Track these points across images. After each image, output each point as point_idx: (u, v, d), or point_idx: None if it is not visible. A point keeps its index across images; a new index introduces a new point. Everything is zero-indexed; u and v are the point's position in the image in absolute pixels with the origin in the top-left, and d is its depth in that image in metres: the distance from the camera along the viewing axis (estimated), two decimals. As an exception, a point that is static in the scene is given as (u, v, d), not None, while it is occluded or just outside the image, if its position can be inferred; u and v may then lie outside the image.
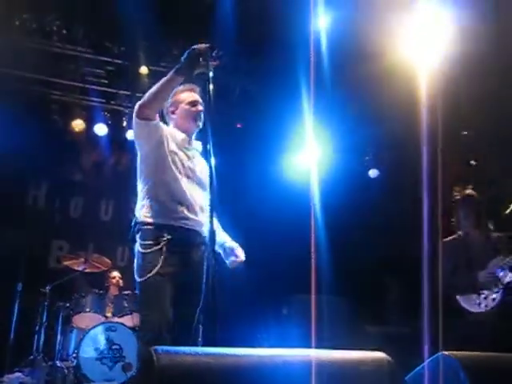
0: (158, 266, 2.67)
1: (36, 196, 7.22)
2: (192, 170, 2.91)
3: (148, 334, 2.63)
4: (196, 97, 3.00)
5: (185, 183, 2.84)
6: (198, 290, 2.52)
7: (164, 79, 2.73)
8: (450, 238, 4.27)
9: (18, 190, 6.96)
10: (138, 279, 2.76)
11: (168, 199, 2.79)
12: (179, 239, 2.74)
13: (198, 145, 3.04)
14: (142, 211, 2.82)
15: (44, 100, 6.92)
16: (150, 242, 2.73)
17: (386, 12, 5.53)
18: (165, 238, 2.71)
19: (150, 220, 2.78)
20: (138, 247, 2.78)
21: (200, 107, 2.97)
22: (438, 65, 5.94)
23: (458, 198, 4.31)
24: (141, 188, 2.90)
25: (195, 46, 2.63)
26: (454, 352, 2.20)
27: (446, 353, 2.18)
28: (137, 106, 2.81)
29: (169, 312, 2.65)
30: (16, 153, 6.18)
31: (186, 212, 2.78)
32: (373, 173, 7.97)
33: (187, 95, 3.01)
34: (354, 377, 1.58)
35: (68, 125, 6.91)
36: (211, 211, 2.38)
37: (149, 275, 2.69)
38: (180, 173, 2.84)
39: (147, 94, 2.79)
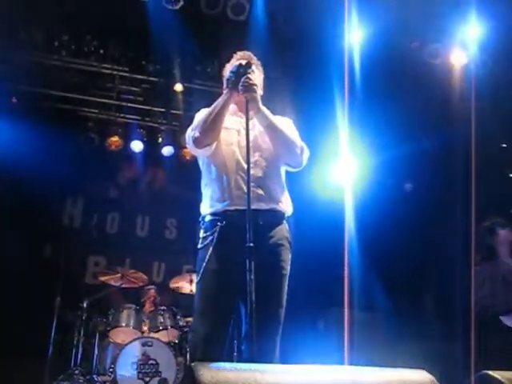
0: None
1: (73, 212, 7.36)
2: None
3: (191, 348, 2.57)
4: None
5: None
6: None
7: (219, 100, 2.64)
8: (480, 264, 4.23)
9: (56, 206, 7.11)
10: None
11: None
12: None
13: None
14: None
15: (81, 118, 7.08)
16: None
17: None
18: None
19: None
20: None
21: None
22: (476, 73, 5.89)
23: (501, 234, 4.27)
24: None
25: (239, 63, 2.64)
26: (498, 372, 2.14)
27: (490, 372, 2.13)
28: (190, 140, 2.69)
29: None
30: (53, 170, 6.32)
31: None
32: (408, 187, 7.88)
33: None
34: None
35: (104, 142, 7.04)
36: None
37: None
38: None
39: (200, 124, 2.64)
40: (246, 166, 2.42)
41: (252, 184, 2.45)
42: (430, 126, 7.52)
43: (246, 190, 2.38)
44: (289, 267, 2.63)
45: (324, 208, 6.80)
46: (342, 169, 7.23)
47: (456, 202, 6.35)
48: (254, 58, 2.84)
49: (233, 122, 2.76)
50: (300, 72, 6.30)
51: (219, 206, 2.61)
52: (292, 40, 5.84)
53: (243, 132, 2.54)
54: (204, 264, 2.54)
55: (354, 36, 5.88)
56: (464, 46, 6.27)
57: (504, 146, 7.07)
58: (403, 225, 7.64)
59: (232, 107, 2.79)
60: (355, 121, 6.89)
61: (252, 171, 2.48)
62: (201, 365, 1.40)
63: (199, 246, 2.65)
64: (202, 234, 2.68)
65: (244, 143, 2.47)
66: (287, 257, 2.63)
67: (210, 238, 2.57)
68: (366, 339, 5.04)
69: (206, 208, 2.68)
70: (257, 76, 2.74)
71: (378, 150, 7.48)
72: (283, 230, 2.66)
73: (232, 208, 2.56)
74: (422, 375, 1.68)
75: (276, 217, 2.64)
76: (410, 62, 6.30)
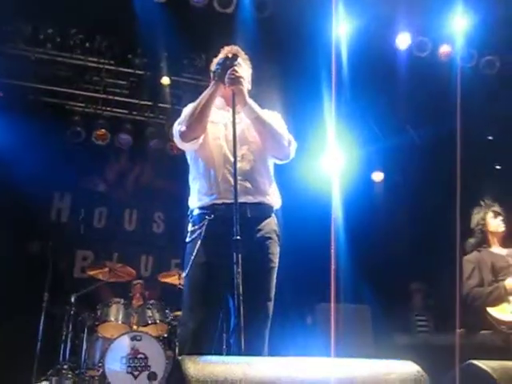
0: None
1: (60, 207, 7.32)
2: None
3: (180, 342, 2.58)
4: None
5: None
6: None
7: (205, 93, 2.64)
8: (471, 253, 4.27)
9: (43, 201, 7.06)
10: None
11: None
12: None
13: None
14: None
15: (67, 112, 7.02)
16: None
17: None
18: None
19: None
20: None
21: None
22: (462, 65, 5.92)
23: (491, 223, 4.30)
24: None
25: (225, 56, 2.63)
26: (484, 361, 2.17)
27: (476, 362, 2.15)
28: (176, 134, 2.68)
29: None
30: (40, 164, 6.28)
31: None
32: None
33: None
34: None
35: (91, 136, 6.99)
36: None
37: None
38: None
39: (186, 118, 2.64)
40: (233, 160, 2.43)
41: (239, 177, 2.46)
42: (417, 119, 7.57)
43: (233, 184, 2.38)
44: (277, 260, 2.64)
45: (312, 201, 6.82)
46: (329, 162, 7.25)
47: (443, 193, 6.39)
48: (242, 53, 2.83)
49: (220, 116, 2.75)
50: (287, 65, 6.29)
51: (207, 200, 2.61)
52: (279, 33, 5.82)
53: (230, 126, 2.54)
54: (192, 257, 2.54)
55: (342, 29, 5.88)
56: (450, 40, 6.30)
57: (490, 138, 7.12)
58: (391, 217, 7.70)
59: (220, 101, 2.79)
60: (343, 114, 6.93)
61: (239, 165, 2.49)
62: (188, 358, 1.40)
63: (187, 239, 2.65)
64: (189, 227, 2.67)
65: (231, 137, 2.47)
66: (275, 250, 2.64)
67: (198, 231, 2.57)
68: (354, 332, 5.07)
69: (194, 202, 2.68)
70: (244, 70, 2.73)
71: (365, 143, 7.51)
72: (271, 224, 2.66)
73: (219, 201, 2.56)
74: (409, 366, 1.70)
75: (264, 210, 2.64)
76: (397, 55, 6.32)
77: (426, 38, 6.31)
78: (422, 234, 7.32)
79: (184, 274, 2.63)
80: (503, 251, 4.26)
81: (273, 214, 2.70)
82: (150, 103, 7.14)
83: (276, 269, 2.62)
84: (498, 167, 7.20)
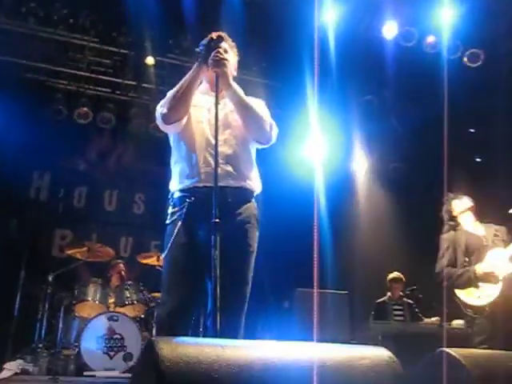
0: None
1: (40, 185, 7.23)
2: None
3: (157, 323, 2.58)
4: None
5: None
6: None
7: (188, 75, 2.62)
8: (449, 232, 4.30)
9: (22, 179, 6.97)
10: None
11: None
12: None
13: None
14: None
15: (49, 89, 6.91)
16: None
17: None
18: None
19: None
20: None
21: None
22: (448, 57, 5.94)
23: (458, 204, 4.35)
24: None
25: (210, 37, 2.60)
26: (454, 349, 2.21)
27: (446, 349, 2.19)
28: (158, 116, 2.65)
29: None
30: (20, 142, 6.19)
31: None
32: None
33: None
34: (354, 372, 1.58)
35: (73, 114, 6.91)
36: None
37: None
38: None
39: (168, 99, 2.62)
40: (214, 143, 2.42)
41: (221, 161, 2.46)
42: (401, 108, 7.61)
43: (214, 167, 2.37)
44: (256, 245, 2.64)
45: (294, 187, 6.85)
46: (312, 148, 7.27)
47: (425, 183, 6.46)
48: (229, 40, 2.81)
49: (204, 101, 2.73)
50: (272, 52, 6.27)
51: (188, 183, 2.60)
52: (264, 19, 5.78)
53: (213, 110, 2.51)
54: (172, 239, 2.54)
55: (328, 16, 5.87)
56: (437, 31, 6.32)
57: (472, 131, 7.18)
58: (372, 205, 7.76)
59: (204, 86, 2.78)
60: (327, 101, 6.93)
61: (221, 149, 2.49)
62: (161, 339, 1.40)
63: (167, 221, 2.65)
64: (170, 209, 2.67)
65: (214, 121, 2.46)
66: (254, 234, 2.64)
67: (179, 213, 2.57)
68: (331, 318, 5.12)
69: (175, 184, 2.67)
70: (230, 57, 2.71)
71: (348, 131, 7.53)
72: (251, 208, 2.66)
73: (200, 185, 2.56)
74: (382, 352, 1.72)
75: (244, 194, 2.65)
76: (383, 44, 6.33)
77: (413, 28, 6.32)
78: (402, 223, 7.39)
79: (163, 256, 2.63)
80: (480, 230, 4.26)
81: (253, 199, 2.70)
82: (133, 83, 7.05)
83: (254, 253, 2.62)
84: (478, 160, 7.27)
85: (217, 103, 2.47)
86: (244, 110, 2.64)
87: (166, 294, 2.58)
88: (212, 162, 2.48)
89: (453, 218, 4.31)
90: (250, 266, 2.59)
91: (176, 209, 2.60)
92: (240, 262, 2.55)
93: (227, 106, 2.69)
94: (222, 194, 2.35)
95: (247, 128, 2.67)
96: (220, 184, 2.35)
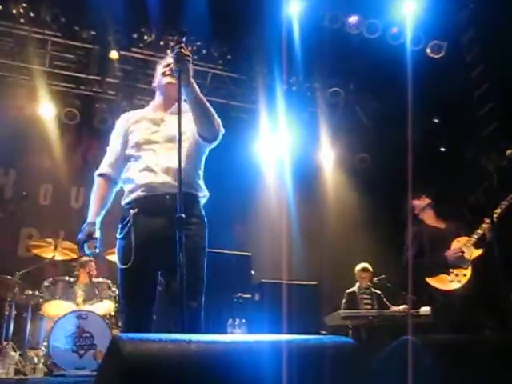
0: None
1: (4, 183, 7.09)
2: None
3: (123, 325, 2.66)
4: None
5: None
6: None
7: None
8: (412, 226, 4.42)
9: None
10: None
11: None
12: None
13: None
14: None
15: (11, 85, 6.76)
16: None
17: None
18: None
19: None
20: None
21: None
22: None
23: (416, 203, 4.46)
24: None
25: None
26: (419, 336, 2.24)
27: (411, 337, 2.22)
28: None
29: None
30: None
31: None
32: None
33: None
34: (317, 360, 1.60)
35: (36, 111, 6.77)
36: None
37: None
38: None
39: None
40: (159, 152, 2.68)
41: (167, 167, 2.63)
42: (367, 98, 7.68)
43: (156, 177, 2.63)
44: (205, 243, 2.72)
45: (261, 179, 6.86)
46: (279, 140, 7.29)
47: (391, 174, 6.54)
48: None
49: (153, 115, 2.88)
50: (238, 44, 6.24)
51: (133, 195, 2.72)
52: (229, 12, 5.75)
53: (161, 124, 2.74)
54: (120, 254, 2.69)
55: (292, 9, 5.88)
56: (400, 22, 6.40)
57: (436, 121, 7.30)
58: (340, 197, 7.82)
59: (158, 101, 2.92)
60: (293, 94, 6.96)
61: (170, 154, 2.63)
62: (124, 336, 1.39)
63: (117, 236, 2.76)
64: (119, 224, 2.78)
65: (164, 133, 2.71)
66: (202, 233, 2.70)
67: (126, 229, 2.68)
68: (301, 309, 5.16)
69: (123, 200, 2.81)
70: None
71: (315, 121, 7.57)
72: (196, 209, 2.72)
73: (142, 194, 2.68)
74: (343, 340, 1.75)
75: (191, 199, 2.70)
76: (347, 35, 6.38)
77: (377, 20, 6.39)
78: (370, 213, 7.48)
79: (119, 267, 2.70)
80: (442, 224, 4.43)
81: (199, 200, 2.80)
82: (98, 78, 6.96)
83: (205, 251, 2.70)
84: (442, 149, 7.39)
85: (179, 101, 2.50)
86: (199, 106, 2.71)
87: (123, 302, 2.70)
88: (155, 171, 2.69)
89: (415, 216, 4.45)
90: (200, 263, 2.68)
91: (123, 223, 2.74)
92: (190, 260, 2.61)
93: (170, 121, 2.79)
94: (167, 199, 2.60)
95: (200, 124, 2.75)
96: (168, 191, 2.61)
